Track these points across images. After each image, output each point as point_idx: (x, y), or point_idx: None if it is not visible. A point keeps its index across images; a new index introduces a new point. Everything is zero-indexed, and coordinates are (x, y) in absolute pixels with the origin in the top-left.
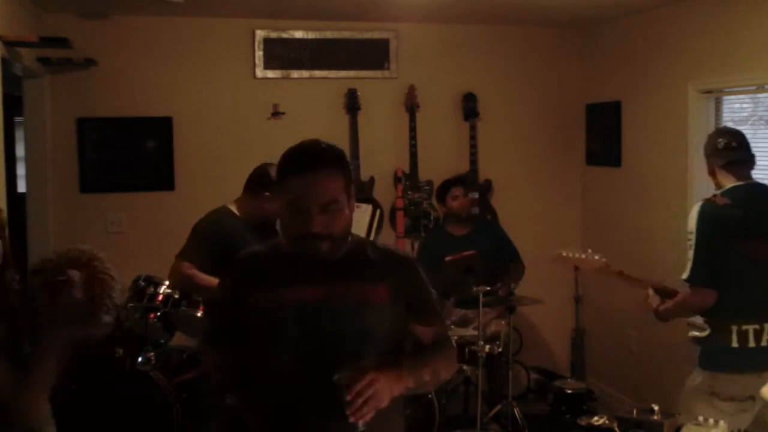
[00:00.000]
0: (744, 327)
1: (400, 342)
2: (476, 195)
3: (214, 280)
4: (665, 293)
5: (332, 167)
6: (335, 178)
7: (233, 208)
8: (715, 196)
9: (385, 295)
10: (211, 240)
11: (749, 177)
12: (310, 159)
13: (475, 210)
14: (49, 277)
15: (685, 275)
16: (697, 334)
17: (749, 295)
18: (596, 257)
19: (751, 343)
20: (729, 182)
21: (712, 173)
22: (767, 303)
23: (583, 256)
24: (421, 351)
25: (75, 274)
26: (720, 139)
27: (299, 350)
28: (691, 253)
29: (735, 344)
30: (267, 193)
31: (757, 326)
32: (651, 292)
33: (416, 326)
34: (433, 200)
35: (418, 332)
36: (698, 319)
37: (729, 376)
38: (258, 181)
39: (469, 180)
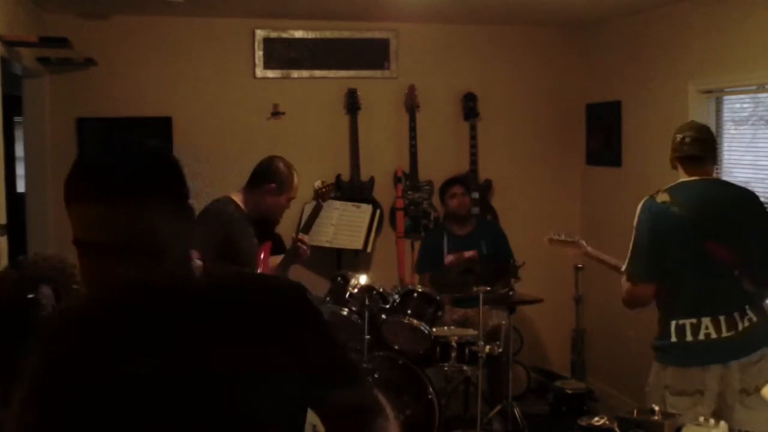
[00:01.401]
0: (681, 321)
1: None
2: (476, 195)
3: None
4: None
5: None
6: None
7: (236, 200)
8: (658, 191)
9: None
10: (211, 230)
11: (705, 173)
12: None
13: (475, 210)
14: (19, 292)
15: (623, 267)
16: (554, 237)
17: (687, 290)
18: (574, 241)
19: (689, 338)
20: (682, 177)
21: (674, 166)
22: (705, 298)
23: (569, 239)
24: None
25: (46, 292)
26: (678, 134)
27: None
28: (630, 247)
29: (674, 338)
30: (273, 184)
31: (694, 320)
32: (624, 278)
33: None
34: (433, 200)
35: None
36: None
37: (675, 369)
38: (263, 171)
39: (468, 179)
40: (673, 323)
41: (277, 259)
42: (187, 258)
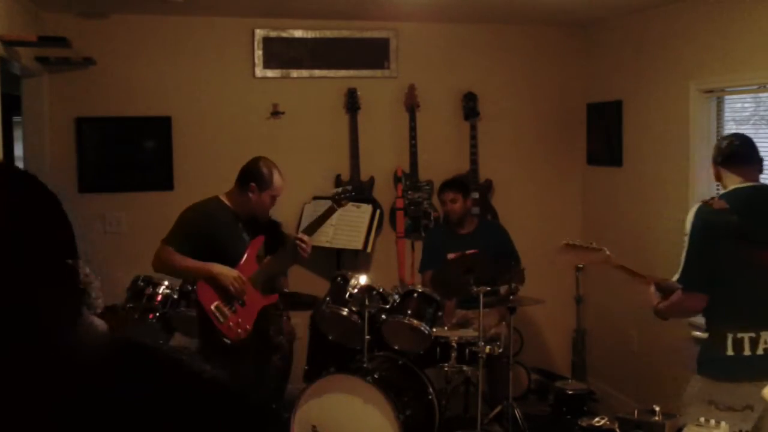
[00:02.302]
0: (739, 335)
1: None
2: (476, 195)
3: (191, 263)
4: (667, 290)
5: None
6: None
7: (224, 200)
8: (713, 198)
9: None
10: (193, 225)
11: (754, 179)
12: None
13: (475, 210)
14: None
15: (676, 276)
16: (698, 334)
17: (745, 302)
18: (599, 249)
19: (747, 352)
20: (732, 183)
21: (717, 177)
22: (764, 310)
23: (586, 246)
24: None
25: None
26: (724, 141)
27: None
28: (683, 255)
29: (730, 352)
30: (253, 184)
31: (753, 334)
32: (652, 288)
33: None
34: (433, 200)
35: None
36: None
37: (725, 385)
38: (246, 171)
39: (467, 182)
40: (730, 336)
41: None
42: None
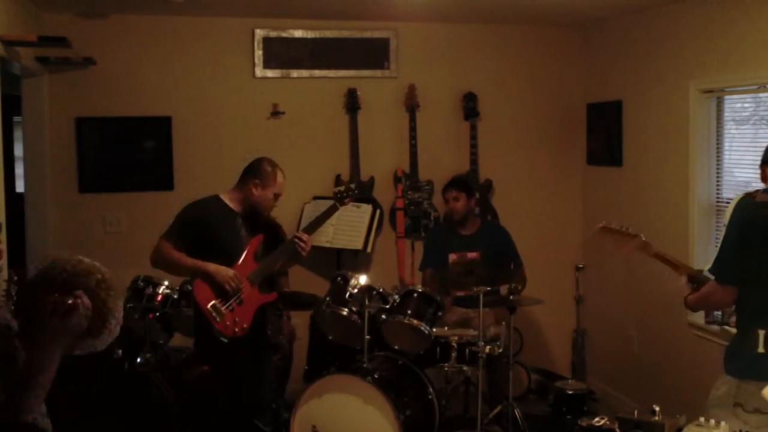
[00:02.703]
0: None
1: None
2: (476, 195)
3: (189, 261)
4: (698, 281)
5: None
6: None
7: (224, 198)
8: (757, 191)
9: None
10: (193, 224)
11: None
12: None
13: (476, 210)
14: (57, 294)
15: (707, 266)
16: (728, 328)
17: None
18: (636, 235)
19: None
20: None
21: (764, 179)
22: None
23: (624, 230)
24: None
25: (85, 301)
26: None
27: None
28: (719, 246)
29: (761, 349)
30: (256, 180)
31: None
32: (684, 279)
33: None
34: (434, 200)
35: None
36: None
37: (753, 387)
38: (249, 169)
39: (470, 182)
40: (762, 333)
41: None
42: None
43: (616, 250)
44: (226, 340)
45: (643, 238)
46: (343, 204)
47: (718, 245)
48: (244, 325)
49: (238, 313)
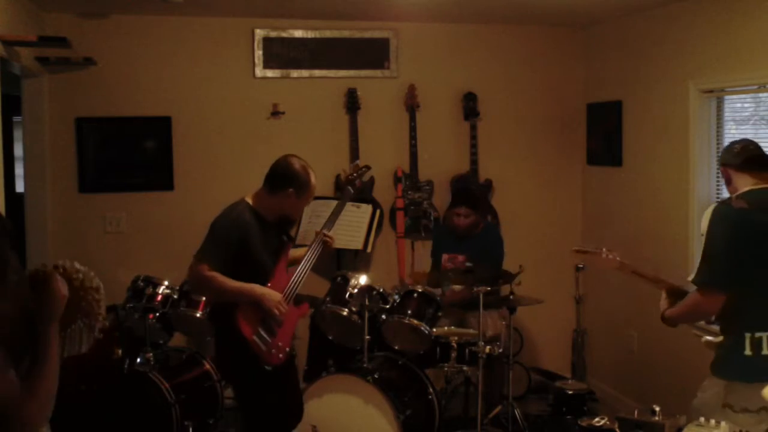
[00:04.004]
0: (758, 334)
1: None
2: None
3: (236, 284)
4: (677, 295)
5: None
6: None
7: (254, 205)
8: (731, 198)
9: None
10: (230, 240)
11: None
12: None
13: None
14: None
15: (691, 276)
16: (710, 338)
17: (763, 301)
18: (610, 256)
19: (765, 351)
20: (746, 184)
21: (728, 180)
22: None
23: (597, 255)
24: None
25: (60, 281)
26: (736, 145)
27: None
28: (700, 255)
29: (748, 352)
30: (291, 189)
31: None
32: (664, 294)
33: None
34: (434, 200)
35: None
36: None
37: (741, 387)
38: (284, 174)
39: (479, 196)
40: (748, 336)
41: (295, 252)
42: None
43: (595, 268)
44: (270, 369)
45: (618, 259)
46: (356, 188)
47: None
48: (287, 349)
49: (281, 338)
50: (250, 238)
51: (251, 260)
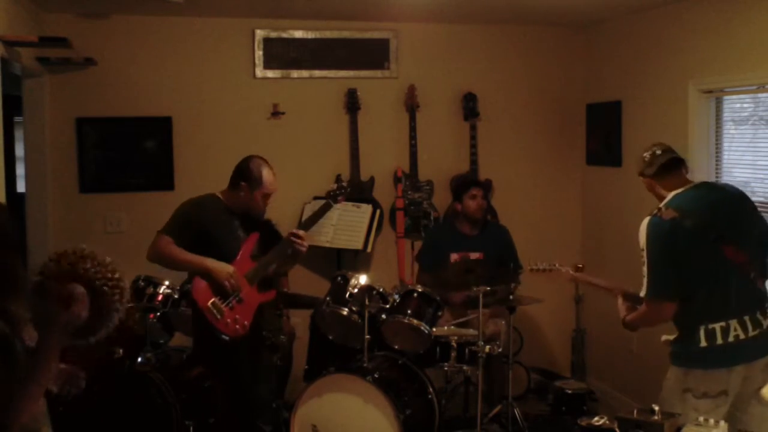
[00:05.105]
0: (711, 326)
1: None
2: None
3: (188, 256)
4: (634, 300)
5: None
6: None
7: (220, 196)
8: (659, 209)
9: None
10: (191, 219)
11: (686, 180)
12: None
13: (486, 214)
14: (54, 286)
15: (642, 292)
16: (668, 336)
17: (712, 296)
18: (563, 269)
19: (719, 341)
20: (670, 190)
21: (650, 188)
22: (730, 299)
23: (551, 268)
24: None
25: (81, 293)
26: (645, 153)
27: None
28: (644, 270)
29: (703, 343)
30: (243, 183)
31: (723, 323)
32: (620, 300)
33: None
34: (434, 200)
35: None
36: None
37: (699, 373)
38: (237, 170)
39: (485, 183)
40: (702, 329)
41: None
42: None
43: (554, 280)
44: (227, 339)
45: (571, 272)
46: (336, 201)
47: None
48: (245, 323)
49: (239, 312)
50: (211, 221)
51: (212, 243)
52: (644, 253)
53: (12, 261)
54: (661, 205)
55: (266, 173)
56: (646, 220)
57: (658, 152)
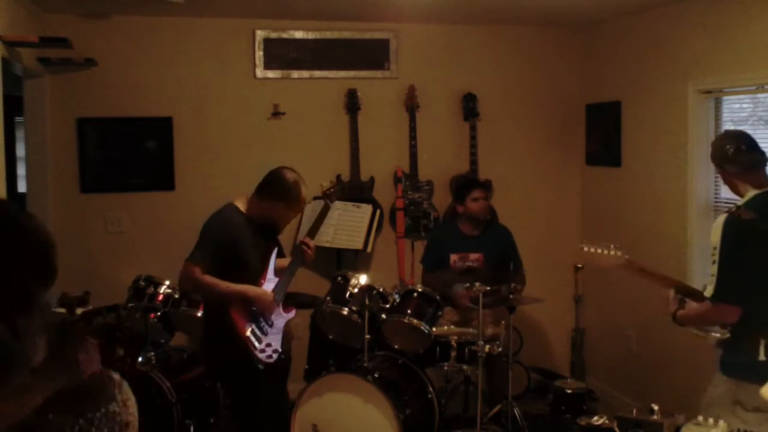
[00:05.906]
0: None
1: None
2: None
3: (229, 286)
4: (687, 293)
5: None
6: None
7: (240, 206)
8: (738, 208)
9: None
10: (220, 245)
11: (766, 181)
12: None
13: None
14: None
15: (709, 291)
16: (717, 335)
17: None
18: (618, 253)
19: None
20: (748, 190)
21: (727, 181)
22: None
23: (605, 251)
24: None
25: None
26: (728, 146)
27: None
28: (715, 269)
29: (763, 357)
30: (281, 201)
31: None
32: (672, 293)
33: None
34: (434, 200)
35: None
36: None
37: (753, 387)
38: (276, 186)
39: (487, 184)
40: (763, 342)
41: (282, 262)
42: None
43: (599, 268)
44: (262, 368)
45: (627, 257)
46: (332, 201)
47: (717, 267)
48: (278, 349)
49: (271, 338)
50: (240, 240)
51: (241, 262)
52: (716, 252)
53: (29, 283)
54: (740, 203)
55: (303, 189)
56: (721, 218)
57: (743, 147)
